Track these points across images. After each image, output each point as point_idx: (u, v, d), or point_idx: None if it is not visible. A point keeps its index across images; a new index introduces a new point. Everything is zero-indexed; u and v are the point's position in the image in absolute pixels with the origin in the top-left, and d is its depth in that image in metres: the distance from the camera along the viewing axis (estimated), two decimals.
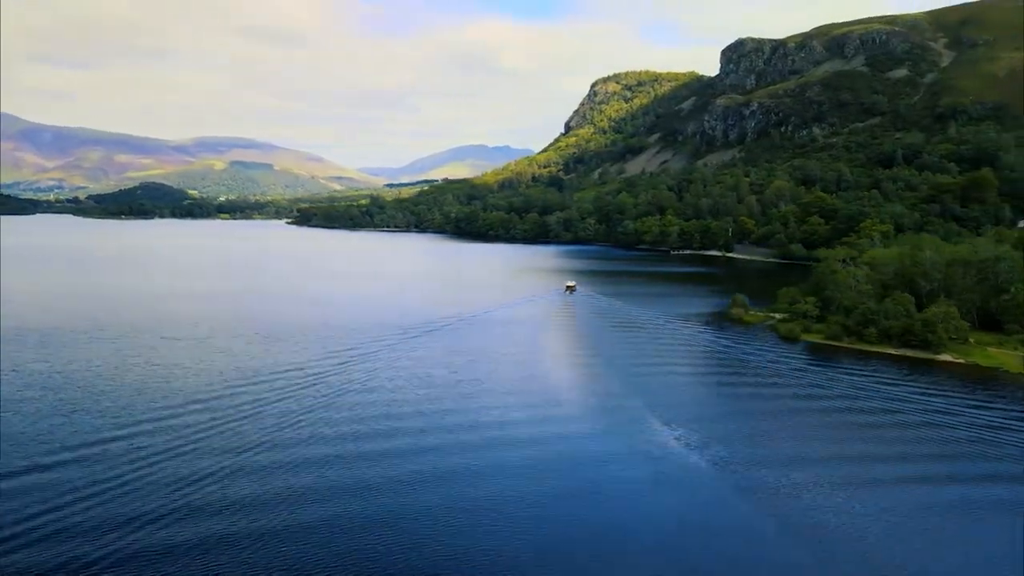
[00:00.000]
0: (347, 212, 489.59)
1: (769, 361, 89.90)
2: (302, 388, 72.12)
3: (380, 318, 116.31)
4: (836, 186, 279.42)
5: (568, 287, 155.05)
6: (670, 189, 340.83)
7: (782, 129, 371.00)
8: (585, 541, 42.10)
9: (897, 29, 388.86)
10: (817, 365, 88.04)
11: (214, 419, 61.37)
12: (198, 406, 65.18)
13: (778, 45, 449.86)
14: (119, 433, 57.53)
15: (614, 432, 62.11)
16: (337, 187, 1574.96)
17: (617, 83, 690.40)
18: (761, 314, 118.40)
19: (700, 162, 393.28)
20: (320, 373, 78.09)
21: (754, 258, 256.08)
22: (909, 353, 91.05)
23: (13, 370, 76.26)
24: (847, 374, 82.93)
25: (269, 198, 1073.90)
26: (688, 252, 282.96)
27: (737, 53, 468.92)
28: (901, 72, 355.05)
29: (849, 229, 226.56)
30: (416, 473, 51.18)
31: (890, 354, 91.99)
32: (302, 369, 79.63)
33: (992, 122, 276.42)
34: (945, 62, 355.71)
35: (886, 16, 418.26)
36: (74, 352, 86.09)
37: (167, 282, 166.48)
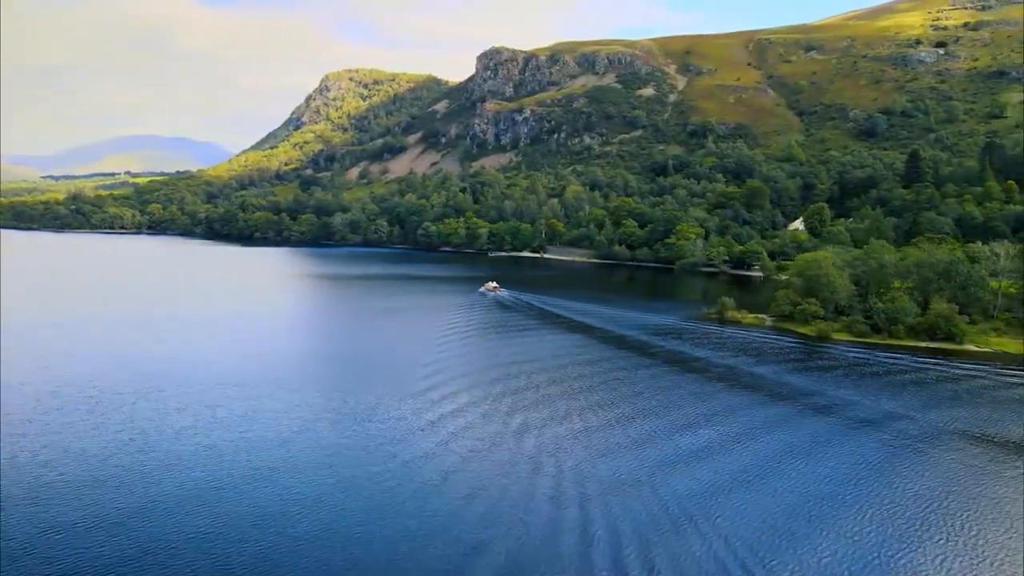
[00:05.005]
0: (49, 210, 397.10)
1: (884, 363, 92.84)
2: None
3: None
4: (624, 191, 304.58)
5: (492, 287, 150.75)
6: (463, 191, 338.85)
7: (556, 136, 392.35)
8: None
9: (637, 53, 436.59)
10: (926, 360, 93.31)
11: None
12: None
13: (530, 57, 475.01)
14: None
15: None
16: None
17: (351, 79, 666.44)
18: (751, 315, 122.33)
19: (477, 164, 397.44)
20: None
21: (573, 259, 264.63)
22: (944, 346, 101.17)
23: None
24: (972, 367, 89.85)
25: None
26: (503, 254, 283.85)
27: (494, 61, 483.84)
28: (649, 91, 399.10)
29: (667, 232, 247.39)
30: None
31: (926, 347, 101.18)
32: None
33: (741, 140, 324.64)
34: (681, 85, 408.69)
35: (624, 40, 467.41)
36: None
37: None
